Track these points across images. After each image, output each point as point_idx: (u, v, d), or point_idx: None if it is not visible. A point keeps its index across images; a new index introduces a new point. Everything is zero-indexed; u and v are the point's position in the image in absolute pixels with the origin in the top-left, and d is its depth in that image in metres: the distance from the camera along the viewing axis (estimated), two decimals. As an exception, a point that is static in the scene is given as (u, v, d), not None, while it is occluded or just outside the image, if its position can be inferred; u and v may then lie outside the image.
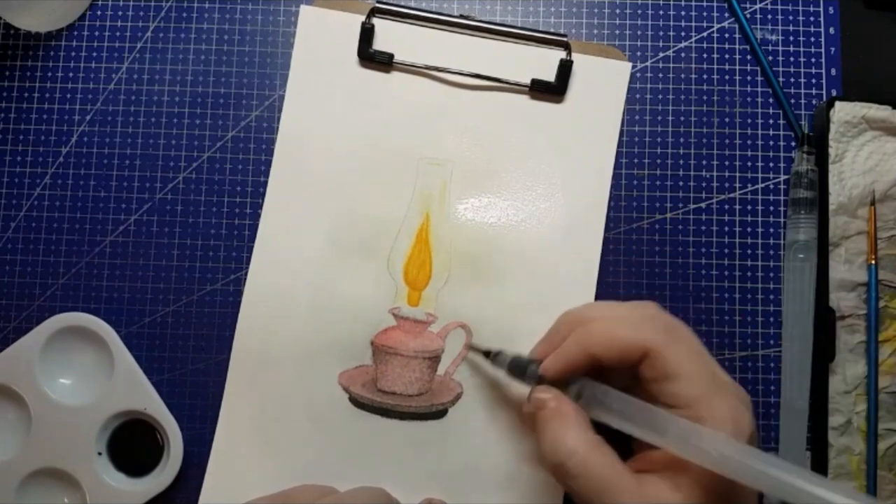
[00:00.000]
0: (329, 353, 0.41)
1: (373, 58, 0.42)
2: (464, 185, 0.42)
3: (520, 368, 0.36)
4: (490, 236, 0.41)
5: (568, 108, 0.42)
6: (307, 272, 0.41)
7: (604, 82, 0.42)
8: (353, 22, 0.42)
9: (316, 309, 0.41)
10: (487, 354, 0.39)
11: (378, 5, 0.42)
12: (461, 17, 0.42)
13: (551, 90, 0.42)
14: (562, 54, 0.42)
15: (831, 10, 0.43)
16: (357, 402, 0.41)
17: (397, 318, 0.41)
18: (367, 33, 0.42)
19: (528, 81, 0.42)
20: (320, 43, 0.42)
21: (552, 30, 0.43)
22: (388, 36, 0.42)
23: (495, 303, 0.41)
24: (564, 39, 0.42)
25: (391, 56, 0.42)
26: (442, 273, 0.41)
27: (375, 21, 0.42)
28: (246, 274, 0.42)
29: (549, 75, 0.42)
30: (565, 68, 0.42)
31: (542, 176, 0.42)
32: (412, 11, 0.42)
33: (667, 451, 0.30)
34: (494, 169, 0.42)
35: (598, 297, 0.41)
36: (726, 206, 0.42)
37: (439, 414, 0.40)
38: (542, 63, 0.42)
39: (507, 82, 0.42)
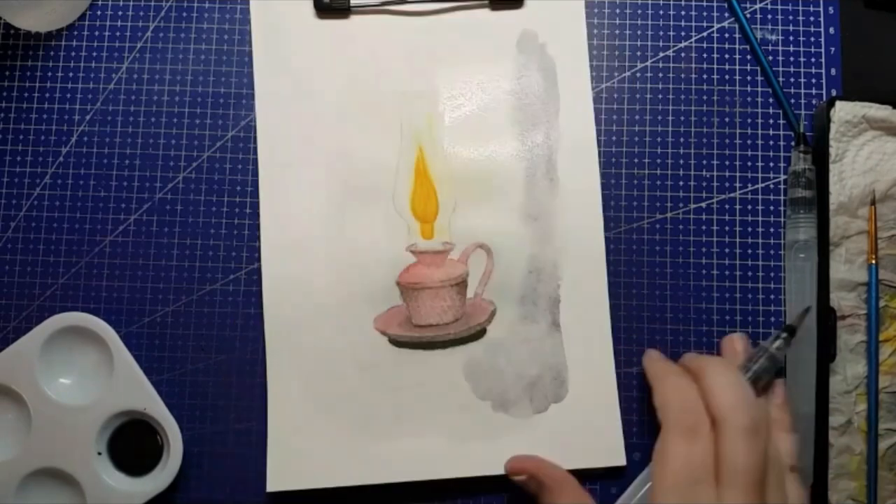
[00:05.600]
0: (359, 302, 0.41)
1: (330, 8, 0.42)
2: (450, 113, 0.42)
3: None
4: (486, 153, 0.42)
5: (530, 13, 0.43)
6: (317, 230, 0.41)
7: None
8: None
9: (335, 263, 0.41)
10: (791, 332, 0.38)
11: None
12: None
13: None
14: None
15: (831, 10, 0.43)
16: (397, 342, 0.41)
17: (416, 254, 0.41)
18: None
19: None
20: (275, 1, 0.43)
21: None
22: None
23: (506, 215, 0.41)
24: None
25: (348, 1, 0.42)
26: (449, 201, 0.42)
27: None
28: (246, 273, 0.42)
29: None
30: None
31: (522, 82, 0.42)
32: None
33: None
34: (475, 90, 0.42)
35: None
36: (726, 206, 0.42)
37: (479, 334, 0.41)
38: None
39: (466, 1, 0.42)
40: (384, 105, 0.42)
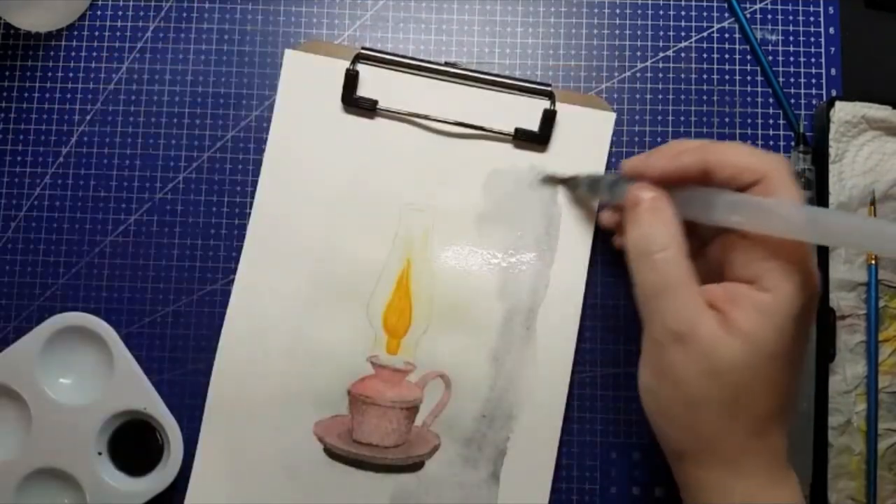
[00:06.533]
0: (305, 402, 0.40)
1: (357, 104, 0.42)
2: (446, 232, 0.41)
3: (606, 184, 0.37)
4: (472, 284, 0.41)
5: (551, 157, 0.42)
6: (285, 317, 0.41)
7: (587, 132, 0.42)
8: (337, 67, 0.42)
9: (293, 355, 0.40)
10: (565, 182, 0.41)
11: (363, 51, 0.42)
12: (446, 64, 0.42)
13: (535, 139, 0.41)
14: (546, 104, 0.41)
15: (831, 10, 0.43)
16: (332, 454, 0.40)
17: (375, 367, 0.40)
18: (351, 79, 0.42)
19: (511, 130, 0.41)
20: (304, 87, 0.42)
21: (535, 78, 0.42)
22: (373, 82, 0.42)
23: (475, 351, 0.40)
24: (548, 89, 0.41)
25: (375, 102, 0.42)
26: (422, 321, 0.41)
27: (360, 67, 0.42)
28: (246, 274, 0.42)
29: (533, 124, 0.41)
30: (549, 118, 0.41)
31: (524, 224, 0.41)
32: (397, 58, 0.42)
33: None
34: (477, 216, 0.41)
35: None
36: (726, 206, 0.42)
37: (416, 466, 0.40)
38: (526, 112, 0.42)
39: (490, 131, 0.42)
40: (385, 211, 0.41)
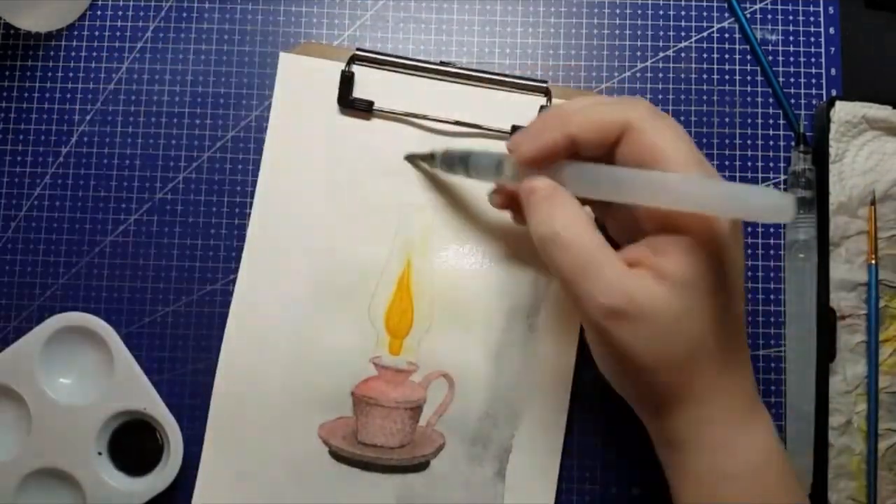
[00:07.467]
0: (309, 405, 0.40)
1: (353, 105, 0.42)
2: (445, 232, 0.41)
3: (482, 164, 0.35)
4: (472, 283, 0.41)
5: None
6: (287, 320, 0.41)
7: None
8: (332, 69, 0.42)
9: (295, 358, 0.40)
10: (427, 158, 0.40)
11: (358, 52, 0.42)
12: (441, 63, 0.42)
13: None
14: (542, 100, 0.41)
15: (831, 10, 0.43)
16: (337, 456, 0.40)
17: (378, 368, 0.40)
18: (346, 81, 0.41)
19: (508, 128, 0.41)
20: (300, 90, 0.42)
21: (533, 76, 0.42)
22: (368, 83, 0.42)
23: (478, 350, 0.40)
24: (545, 85, 0.41)
25: (371, 103, 0.42)
26: (424, 321, 0.41)
27: (355, 68, 0.42)
28: (246, 274, 0.42)
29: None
30: None
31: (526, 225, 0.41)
32: (392, 59, 0.42)
33: (650, 222, 0.30)
34: (476, 214, 0.41)
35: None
36: (726, 206, 0.42)
37: (422, 466, 0.40)
38: (523, 109, 0.42)
39: (487, 129, 0.42)
40: (384, 212, 0.41)
